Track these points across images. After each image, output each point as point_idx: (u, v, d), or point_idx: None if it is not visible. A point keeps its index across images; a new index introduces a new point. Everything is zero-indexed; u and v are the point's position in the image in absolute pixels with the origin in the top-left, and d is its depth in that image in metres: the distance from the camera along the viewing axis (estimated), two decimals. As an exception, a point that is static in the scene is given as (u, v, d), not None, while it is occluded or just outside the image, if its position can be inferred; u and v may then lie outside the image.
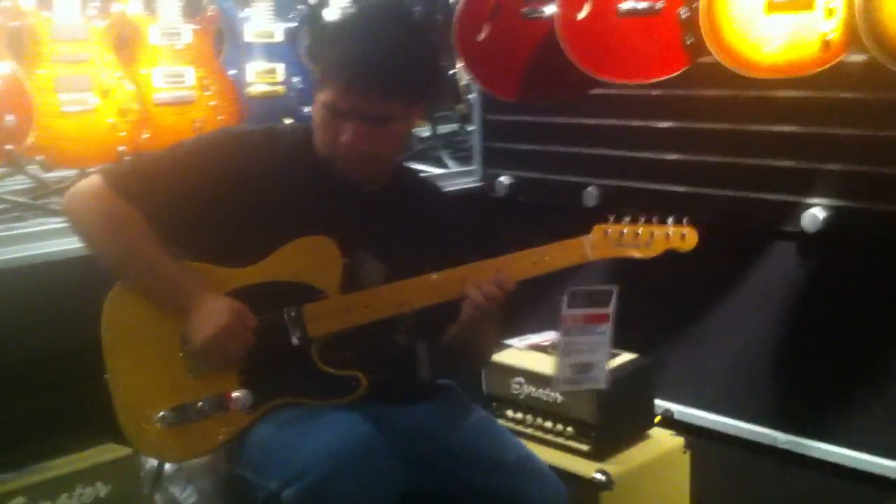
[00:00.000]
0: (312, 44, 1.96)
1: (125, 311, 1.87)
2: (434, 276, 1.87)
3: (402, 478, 1.84)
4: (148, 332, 1.86)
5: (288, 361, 1.86)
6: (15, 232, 2.64)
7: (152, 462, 1.97)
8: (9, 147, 2.79)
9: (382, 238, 1.97)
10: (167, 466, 1.96)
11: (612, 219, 1.93)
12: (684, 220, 1.94)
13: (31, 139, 2.84)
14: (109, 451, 2.52)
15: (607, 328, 2.18)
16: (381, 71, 1.80)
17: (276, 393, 1.84)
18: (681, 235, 1.93)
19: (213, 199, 1.87)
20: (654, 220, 1.93)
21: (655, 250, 1.92)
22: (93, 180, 1.91)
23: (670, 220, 1.93)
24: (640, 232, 1.91)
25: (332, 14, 1.90)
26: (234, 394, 1.83)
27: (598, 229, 1.91)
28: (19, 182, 3.22)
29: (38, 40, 2.93)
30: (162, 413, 1.81)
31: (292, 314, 1.85)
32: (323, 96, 1.85)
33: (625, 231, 1.91)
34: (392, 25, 1.87)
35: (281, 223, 1.89)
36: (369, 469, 1.72)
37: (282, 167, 1.92)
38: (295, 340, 1.84)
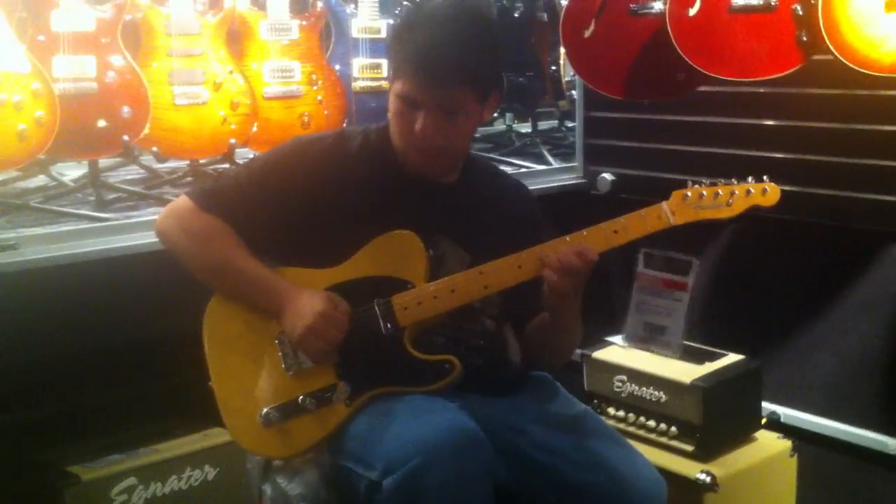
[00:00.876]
0: (388, 38, 2.00)
1: (223, 320, 1.95)
2: (516, 255, 1.87)
3: (500, 467, 1.85)
4: (246, 337, 1.93)
5: (381, 352, 1.89)
6: (130, 220, 2.72)
7: (259, 458, 2.01)
8: (125, 138, 2.87)
9: (464, 227, 1.99)
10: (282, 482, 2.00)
11: (690, 183, 1.89)
12: (765, 178, 1.90)
13: (146, 130, 2.92)
14: (217, 436, 2.59)
15: (685, 297, 2.15)
16: (449, 59, 1.85)
17: (372, 383, 1.87)
18: (762, 191, 1.89)
19: (293, 207, 1.94)
20: (734, 180, 1.89)
21: (738, 208, 1.88)
22: (180, 200, 2.01)
23: (750, 178, 1.89)
24: (719, 192, 1.87)
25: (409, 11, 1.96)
26: (333, 387, 1.87)
27: (676, 194, 1.88)
28: (132, 172, 3.33)
29: (152, 34, 3.02)
30: (265, 412, 1.87)
31: (382, 305, 1.89)
32: (396, 87, 1.90)
33: (704, 193, 1.87)
34: (460, 19, 1.91)
35: (362, 222, 1.94)
36: (468, 456, 1.73)
37: (356, 168, 1.98)
38: (386, 330, 1.88)
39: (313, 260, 1.95)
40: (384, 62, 3.40)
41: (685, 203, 1.87)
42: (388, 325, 1.88)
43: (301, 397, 1.86)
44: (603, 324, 2.95)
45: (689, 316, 2.28)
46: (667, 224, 1.88)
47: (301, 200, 1.94)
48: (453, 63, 1.85)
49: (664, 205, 1.88)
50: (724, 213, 1.87)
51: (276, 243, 1.98)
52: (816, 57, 2.49)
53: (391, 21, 3.44)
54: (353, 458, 1.82)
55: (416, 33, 1.89)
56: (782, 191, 1.96)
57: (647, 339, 2.18)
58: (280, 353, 1.90)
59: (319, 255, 1.95)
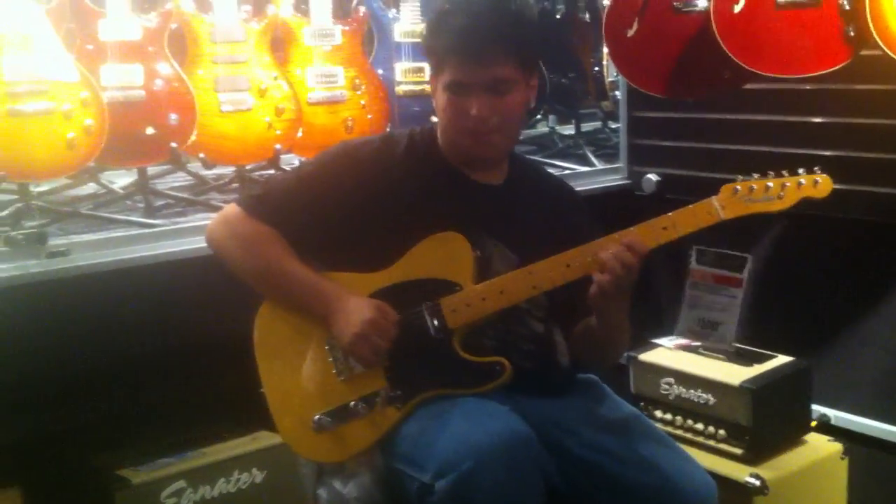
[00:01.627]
0: (426, 38, 2.01)
1: (273, 327, 1.97)
2: (564, 253, 1.87)
3: (554, 469, 1.85)
4: (296, 343, 1.95)
5: (431, 354, 1.90)
6: (178, 226, 2.75)
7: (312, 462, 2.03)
8: (173, 145, 2.91)
9: (511, 229, 2.00)
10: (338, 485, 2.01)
11: (739, 178, 1.87)
12: (816, 169, 1.87)
13: (192, 137, 2.95)
14: (264, 439, 2.61)
15: (739, 293, 2.12)
16: (489, 36, 1.88)
17: (422, 386, 1.88)
18: (813, 182, 1.87)
19: (341, 211, 1.95)
20: (784, 173, 1.87)
21: (789, 201, 1.86)
22: (229, 208, 2.04)
23: (801, 170, 1.87)
24: (770, 185, 1.85)
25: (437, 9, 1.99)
26: (384, 391, 1.88)
27: (726, 188, 1.87)
28: (180, 179, 3.36)
29: (197, 42, 3.04)
30: (318, 417, 1.88)
31: (431, 308, 1.89)
32: (443, 79, 1.92)
33: (754, 186, 1.85)
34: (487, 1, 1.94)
35: (410, 224, 1.94)
36: (521, 459, 1.74)
37: (403, 171, 1.99)
38: (435, 333, 1.89)
39: (362, 263, 1.96)
40: (427, 66, 3.40)
41: (735, 197, 1.86)
42: (437, 328, 1.89)
43: (353, 402, 1.88)
44: (649, 326, 2.94)
45: (744, 314, 2.24)
46: (717, 219, 1.86)
47: (349, 204, 1.95)
48: (494, 39, 1.88)
49: (714, 199, 1.87)
50: (776, 206, 1.86)
51: (324, 248, 1.99)
52: (864, 52, 2.46)
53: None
54: (406, 461, 1.83)
55: (449, 21, 1.93)
56: (832, 189, 1.93)
57: (700, 334, 2.15)
58: (331, 358, 1.92)
59: (368, 258, 1.96)
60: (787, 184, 1.85)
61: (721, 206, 1.86)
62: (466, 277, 1.91)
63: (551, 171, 2.45)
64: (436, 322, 1.89)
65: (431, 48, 1.98)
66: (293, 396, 1.93)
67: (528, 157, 2.28)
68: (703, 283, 2.08)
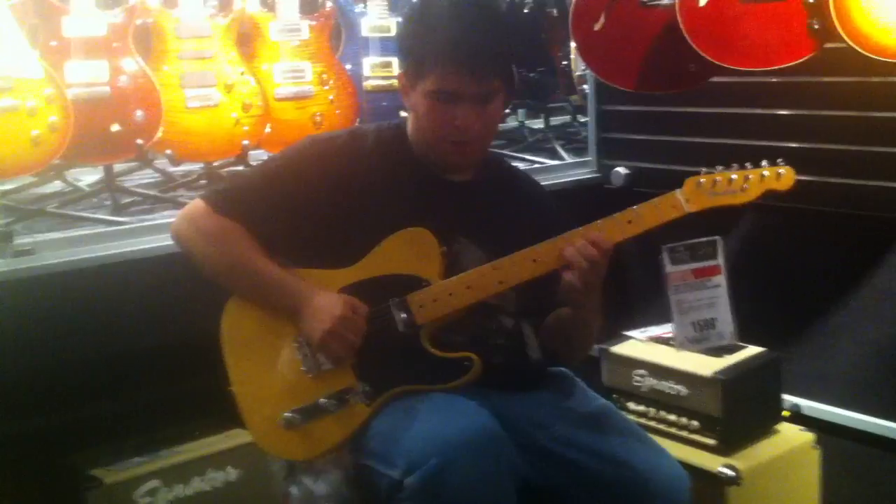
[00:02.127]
0: (405, 38, 1.98)
1: (241, 322, 1.95)
2: (530, 249, 1.87)
3: (524, 464, 1.85)
4: (264, 339, 1.93)
5: (400, 351, 1.89)
6: (146, 224, 2.73)
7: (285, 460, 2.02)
8: (139, 142, 2.88)
9: (480, 225, 1.99)
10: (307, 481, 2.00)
11: (703, 171, 1.88)
12: (779, 160, 1.88)
13: (159, 134, 2.93)
14: (238, 437, 2.58)
15: (722, 280, 2.09)
16: (484, 48, 1.87)
17: (391, 382, 1.88)
18: (777, 175, 1.87)
19: (307, 206, 1.94)
20: (748, 165, 1.87)
21: (753, 194, 1.87)
22: (194, 203, 2.01)
23: (764, 162, 1.88)
24: (734, 177, 1.85)
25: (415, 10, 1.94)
26: (353, 387, 1.87)
27: (689, 181, 1.87)
28: (147, 176, 3.34)
29: (163, 38, 3.02)
30: (287, 415, 1.87)
31: (398, 304, 1.89)
32: (427, 85, 1.89)
33: (718, 179, 1.85)
34: (476, 8, 1.93)
35: (377, 220, 1.93)
36: (490, 454, 1.73)
37: (370, 166, 1.98)
38: (403, 329, 1.88)
39: (329, 260, 1.95)
40: (395, 60, 3.40)
41: (699, 190, 1.86)
42: (405, 324, 1.88)
43: (322, 399, 1.87)
44: (621, 319, 2.95)
45: (733, 296, 2.22)
46: (682, 212, 1.86)
47: (315, 199, 1.94)
48: (490, 54, 1.88)
49: (678, 192, 1.87)
50: (740, 199, 1.86)
51: (291, 243, 1.97)
52: (829, 45, 2.48)
53: (401, 19, 3.44)
54: (375, 457, 1.83)
55: (441, 28, 1.89)
56: (798, 180, 1.95)
57: (700, 337, 2.12)
58: (299, 355, 1.90)
59: (335, 254, 1.95)
60: (750, 176, 1.86)
61: (685, 199, 1.86)
62: (434, 273, 1.90)
63: (520, 165, 2.45)
64: (403, 317, 1.88)
65: (413, 50, 1.95)
66: (261, 394, 1.91)
67: (494, 151, 2.27)
68: (683, 285, 2.05)
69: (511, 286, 1.90)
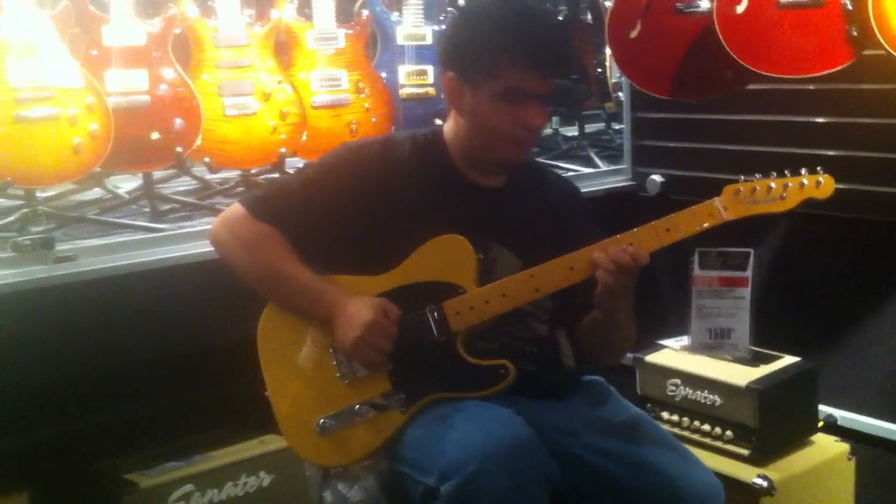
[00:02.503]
0: (462, 40, 1.97)
1: (277, 329, 1.97)
2: (568, 256, 1.87)
3: (557, 472, 1.84)
4: (300, 346, 1.94)
5: (435, 358, 1.90)
6: (184, 230, 2.76)
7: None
8: (178, 149, 2.91)
9: (515, 231, 2.00)
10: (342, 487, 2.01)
11: (741, 178, 1.86)
12: (818, 169, 1.86)
13: (197, 142, 2.96)
14: (271, 442, 2.62)
15: (746, 293, 2.07)
16: (556, 49, 1.94)
17: (426, 389, 1.88)
18: (816, 183, 1.85)
19: (343, 212, 1.95)
20: (787, 173, 1.86)
21: (791, 202, 1.85)
22: (233, 208, 2.03)
23: (803, 170, 1.86)
24: (773, 185, 1.83)
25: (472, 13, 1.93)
26: (388, 394, 1.88)
27: (728, 189, 1.85)
28: (184, 183, 3.37)
29: (201, 46, 3.05)
30: (322, 421, 1.89)
31: (434, 311, 1.89)
32: (497, 86, 1.89)
33: (757, 188, 1.84)
34: (536, 11, 1.99)
35: (412, 227, 1.94)
36: (524, 462, 1.73)
37: (405, 173, 1.99)
38: (439, 336, 1.89)
39: (365, 266, 1.96)
40: (430, 68, 3.41)
41: (738, 198, 1.85)
42: (441, 331, 1.89)
43: (357, 405, 1.88)
44: (655, 327, 2.94)
45: (754, 312, 2.21)
46: (719, 220, 1.85)
47: (351, 206, 1.95)
48: (563, 54, 1.98)
49: (716, 200, 1.86)
50: (778, 207, 1.85)
51: (326, 250, 1.99)
52: (867, 52, 2.46)
53: (436, 27, 3.45)
54: (410, 464, 1.83)
55: (505, 27, 1.90)
56: (836, 189, 1.92)
57: (714, 345, 2.10)
58: (334, 362, 1.92)
59: (370, 260, 1.96)
60: (790, 184, 1.85)
61: (723, 207, 1.85)
62: (469, 280, 1.91)
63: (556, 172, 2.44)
64: (439, 324, 1.89)
65: (477, 52, 1.92)
66: (297, 400, 1.93)
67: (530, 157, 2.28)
68: (708, 290, 2.03)
69: (547, 294, 1.90)
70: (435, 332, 1.89)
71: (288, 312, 1.97)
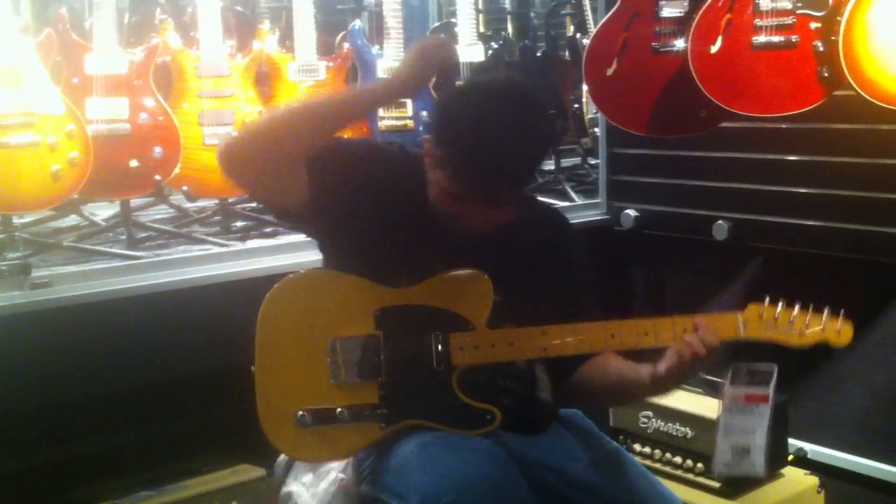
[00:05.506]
0: (439, 119, 1.91)
1: (282, 309, 1.93)
2: (580, 325, 1.86)
3: None
4: (299, 334, 1.91)
5: (427, 385, 1.88)
6: (161, 258, 2.77)
7: (287, 487, 2.02)
8: (157, 177, 2.93)
9: (499, 264, 1.95)
10: (299, 490, 2.00)
11: (767, 299, 1.87)
12: (841, 313, 1.88)
13: (176, 170, 2.97)
14: (245, 472, 2.61)
15: (766, 410, 2.06)
16: (507, 176, 1.83)
17: (411, 413, 1.87)
18: (836, 330, 1.87)
19: (348, 193, 1.90)
20: (810, 307, 1.87)
21: (808, 341, 1.86)
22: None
23: (826, 310, 1.87)
24: (794, 318, 1.85)
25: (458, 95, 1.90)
26: (373, 406, 1.86)
27: (753, 308, 1.86)
28: (162, 211, 3.38)
29: (183, 76, 3.08)
30: (301, 413, 1.86)
31: (439, 340, 1.88)
32: (442, 177, 1.85)
33: (779, 316, 1.85)
34: (513, 115, 1.82)
35: (396, 234, 1.92)
36: (502, 493, 1.74)
37: (408, 184, 1.95)
38: (437, 365, 1.87)
39: (366, 268, 1.92)
40: (409, 102, 3.45)
41: (759, 320, 1.85)
42: (440, 361, 1.87)
43: (339, 409, 1.86)
44: (628, 358, 2.96)
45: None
46: (737, 335, 1.86)
47: (357, 191, 1.91)
48: (512, 182, 1.85)
49: (738, 315, 1.86)
50: (794, 341, 1.86)
51: (336, 236, 1.96)
52: (838, 92, 2.51)
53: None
54: (389, 491, 1.83)
55: (471, 127, 1.80)
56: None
57: (734, 463, 2.09)
58: (329, 360, 1.88)
59: (367, 261, 1.92)
60: (810, 322, 1.85)
61: (744, 323, 1.85)
62: (481, 319, 1.89)
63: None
64: (440, 355, 1.87)
65: (440, 136, 1.86)
66: (282, 385, 1.89)
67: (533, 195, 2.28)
68: (735, 407, 2.04)
69: (552, 356, 1.90)
70: (434, 360, 1.87)
71: (298, 299, 1.92)
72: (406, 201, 1.93)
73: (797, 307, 1.85)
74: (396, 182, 1.94)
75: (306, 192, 1.87)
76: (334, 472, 1.93)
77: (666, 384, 1.86)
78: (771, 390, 2.04)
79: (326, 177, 1.88)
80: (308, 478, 1.97)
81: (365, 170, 1.94)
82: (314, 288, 1.96)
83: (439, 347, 1.87)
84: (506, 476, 1.77)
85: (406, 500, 1.76)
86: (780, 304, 1.86)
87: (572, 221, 3.37)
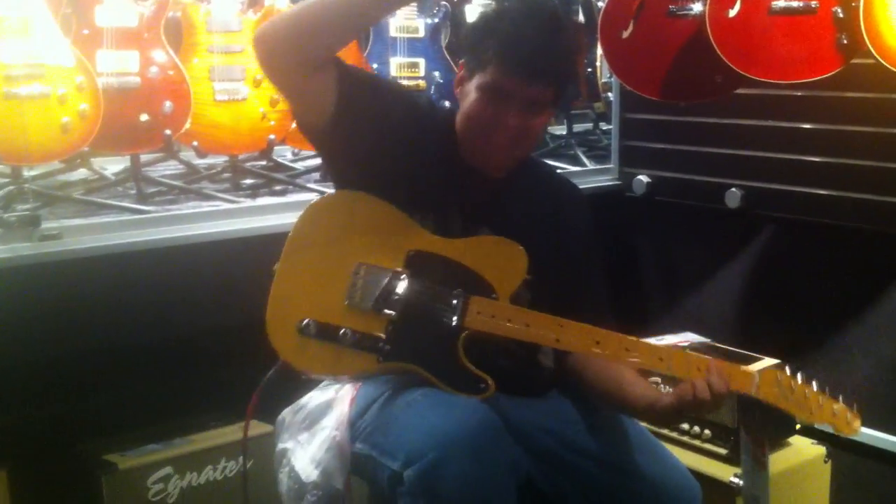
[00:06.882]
0: (473, 29, 1.97)
1: (320, 220, 1.94)
2: (599, 330, 1.86)
3: (524, 464, 1.86)
4: (330, 248, 1.91)
5: (434, 337, 1.87)
6: (170, 213, 2.76)
7: (282, 444, 2.03)
8: (167, 132, 2.91)
9: (510, 223, 1.98)
10: (294, 447, 2.01)
11: (788, 368, 1.87)
12: (854, 406, 1.87)
13: (187, 125, 2.96)
14: (253, 427, 2.60)
15: None
16: (545, 55, 1.87)
17: (411, 357, 1.87)
18: (846, 420, 1.86)
19: (381, 129, 1.90)
20: (826, 389, 1.86)
21: (816, 420, 1.85)
22: None
23: (840, 397, 1.87)
24: (808, 395, 1.84)
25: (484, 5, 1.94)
26: (377, 337, 1.86)
27: (770, 372, 1.85)
28: (171, 167, 3.37)
29: (193, 31, 3.05)
30: (306, 321, 1.86)
31: (460, 298, 1.87)
32: (481, 78, 1.88)
33: (796, 388, 1.84)
34: (549, 17, 1.91)
35: (411, 185, 1.92)
36: (487, 449, 1.73)
37: (429, 137, 1.97)
38: (449, 321, 1.87)
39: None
40: (421, 61, 3.43)
41: (775, 385, 1.83)
42: (454, 319, 1.86)
43: (344, 329, 1.86)
44: (636, 327, 2.95)
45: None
46: (749, 392, 1.83)
47: (382, 120, 1.90)
48: (549, 62, 1.87)
49: (755, 374, 1.84)
50: (802, 416, 1.84)
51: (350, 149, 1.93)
52: (856, 60, 2.48)
53: (429, 21, 3.47)
54: (378, 448, 1.83)
55: (507, 24, 1.88)
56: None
57: None
58: (349, 281, 1.88)
59: (364, 187, 1.93)
60: (823, 404, 1.84)
61: (758, 384, 1.83)
62: (506, 291, 1.88)
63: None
64: (456, 312, 1.86)
65: (478, 44, 1.92)
66: (297, 290, 1.90)
67: (537, 158, 2.27)
68: None
69: (564, 349, 1.90)
70: (449, 315, 1.87)
71: (335, 214, 1.94)
72: (428, 148, 1.94)
73: (814, 385, 1.85)
74: (421, 125, 1.96)
75: (333, 105, 1.85)
76: (328, 429, 1.92)
77: (665, 416, 1.84)
78: None
79: (353, 95, 1.87)
80: (303, 436, 1.97)
81: (392, 102, 1.94)
82: (359, 208, 1.94)
83: (457, 305, 1.86)
84: (491, 430, 1.75)
85: (394, 457, 1.76)
86: (800, 376, 1.86)
87: (583, 187, 3.43)
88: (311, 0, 1.82)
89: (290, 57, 1.82)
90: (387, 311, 1.87)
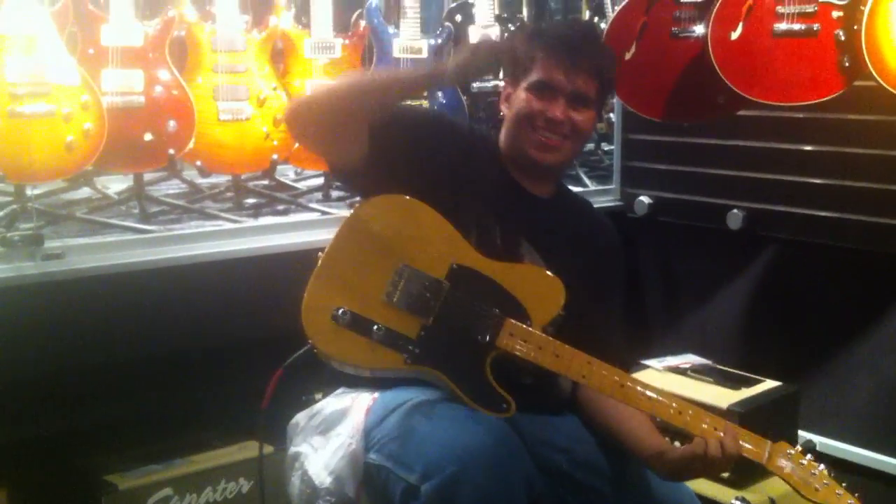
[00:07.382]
0: (515, 44, 2.11)
1: (374, 219, 1.98)
2: (626, 374, 1.90)
3: (539, 482, 1.85)
4: (379, 245, 1.95)
5: (465, 349, 1.90)
6: (173, 233, 2.77)
7: (295, 447, 2.03)
8: (171, 151, 2.92)
9: (548, 240, 2.04)
10: (307, 451, 2.01)
11: (800, 445, 1.90)
12: (856, 495, 1.88)
13: (190, 145, 2.96)
14: (252, 449, 2.61)
15: None
16: (588, 50, 2.05)
17: (438, 364, 1.89)
18: None
19: (429, 153, 1.99)
20: (832, 473, 1.88)
21: (818, 498, 1.86)
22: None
23: (844, 484, 1.88)
24: (815, 473, 1.86)
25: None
26: (408, 338, 1.89)
27: (783, 445, 1.88)
28: (173, 186, 3.37)
29: (198, 50, 3.06)
30: (342, 310, 1.89)
31: (497, 318, 1.90)
32: (528, 79, 2.03)
33: (804, 463, 1.87)
34: (587, 25, 2.32)
35: (457, 204, 1.97)
36: (505, 466, 1.74)
37: (474, 157, 2.06)
38: (481, 338, 1.90)
39: None
40: (424, 82, 3.43)
41: (786, 457, 1.87)
42: (486, 337, 1.89)
43: (377, 325, 1.89)
44: (639, 347, 2.96)
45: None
46: (760, 459, 1.87)
47: (439, 154, 2.00)
48: (589, 55, 2.04)
49: (769, 445, 1.88)
50: (804, 492, 1.86)
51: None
52: (858, 83, 2.49)
53: (432, 41, 3.47)
54: (393, 459, 1.83)
55: (550, 30, 2.13)
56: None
57: None
58: (389, 279, 1.92)
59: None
60: (828, 485, 1.86)
61: (769, 454, 1.87)
62: (540, 321, 1.92)
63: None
64: (490, 330, 1.90)
65: (522, 54, 2.05)
66: (338, 280, 1.94)
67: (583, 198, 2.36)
68: None
69: (588, 386, 1.92)
70: (483, 332, 1.90)
71: (392, 216, 1.97)
72: (472, 165, 2.03)
73: (822, 466, 1.88)
74: (463, 145, 2.07)
75: (366, 152, 1.94)
76: (343, 436, 1.93)
77: (672, 467, 1.88)
78: None
79: (385, 136, 1.95)
80: (317, 440, 1.98)
81: (428, 130, 2.06)
82: (415, 214, 1.98)
83: (492, 324, 1.90)
84: (509, 447, 1.77)
85: (410, 469, 1.77)
86: (809, 455, 1.89)
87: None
88: (348, 84, 2.00)
89: (326, 136, 1.98)
90: (422, 316, 1.90)
